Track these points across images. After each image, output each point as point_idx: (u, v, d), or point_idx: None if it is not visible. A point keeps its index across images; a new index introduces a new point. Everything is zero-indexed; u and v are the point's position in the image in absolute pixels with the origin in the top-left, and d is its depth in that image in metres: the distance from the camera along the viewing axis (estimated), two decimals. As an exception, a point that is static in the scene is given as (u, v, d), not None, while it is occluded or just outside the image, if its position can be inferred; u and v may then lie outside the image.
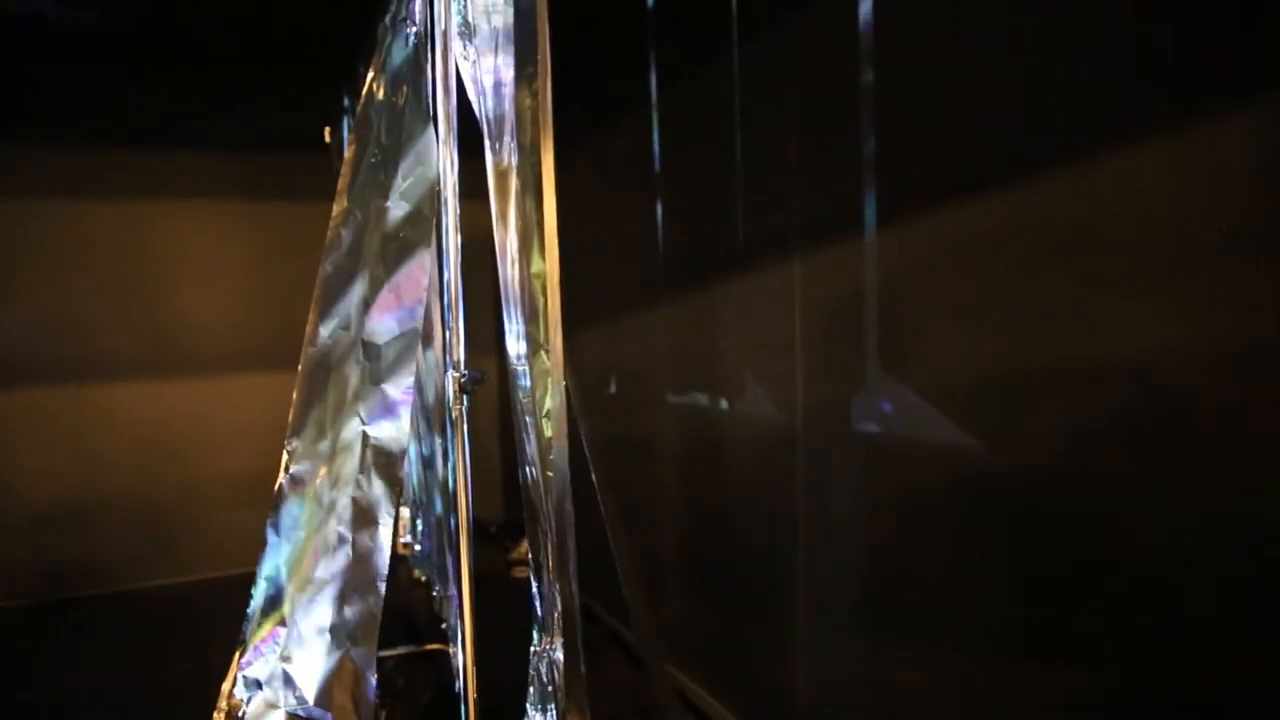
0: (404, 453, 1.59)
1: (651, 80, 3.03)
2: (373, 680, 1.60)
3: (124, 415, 4.60)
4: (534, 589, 1.71)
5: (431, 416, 2.59)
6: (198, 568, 4.71)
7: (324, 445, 1.73)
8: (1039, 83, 1.59)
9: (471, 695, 1.74)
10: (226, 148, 4.60)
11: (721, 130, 2.58)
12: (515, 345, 1.62)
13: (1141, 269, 1.43)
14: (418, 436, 3.08)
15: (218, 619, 3.63)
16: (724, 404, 2.66)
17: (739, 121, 2.52)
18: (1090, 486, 1.54)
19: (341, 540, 1.63)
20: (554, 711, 1.64)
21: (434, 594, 3.06)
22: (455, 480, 1.75)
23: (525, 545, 4.44)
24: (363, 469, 1.62)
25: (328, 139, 2.90)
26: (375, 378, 1.63)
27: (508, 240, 1.57)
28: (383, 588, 1.57)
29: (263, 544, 1.86)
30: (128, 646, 3.80)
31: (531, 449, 1.59)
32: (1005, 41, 1.66)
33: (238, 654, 1.85)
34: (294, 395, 1.84)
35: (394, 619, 3.47)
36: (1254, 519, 1.28)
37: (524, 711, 1.73)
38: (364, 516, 1.61)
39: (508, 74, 1.61)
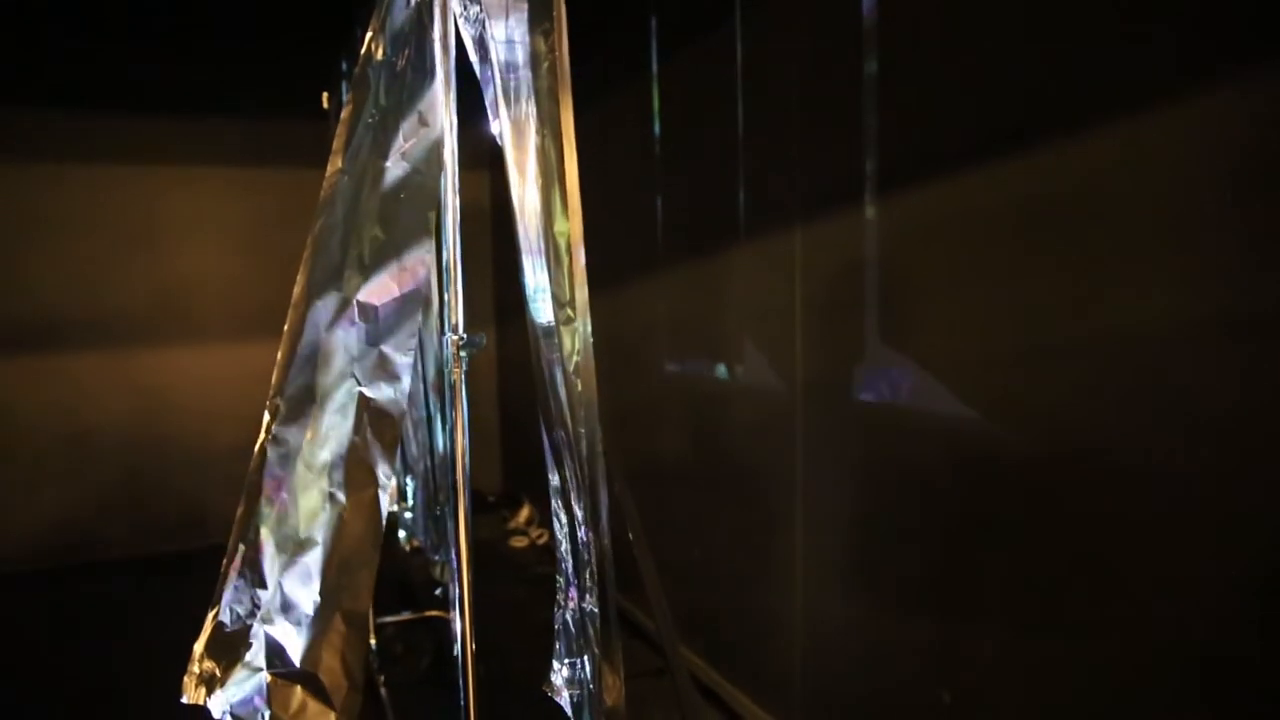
0: (403, 415, 1.58)
1: (652, 47, 3.04)
2: (366, 641, 1.59)
3: (124, 380, 4.61)
4: (562, 547, 1.74)
5: (431, 385, 2.59)
6: (195, 534, 4.66)
7: (313, 407, 1.70)
8: (1040, 52, 1.65)
9: (470, 662, 1.75)
10: (226, 114, 4.61)
11: (723, 98, 2.60)
12: (539, 304, 1.64)
13: (1141, 239, 1.49)
14: (417, 404, 3.08)
15: (205, 586, 3.58)
16: (724, 373, 2.70)
17: (741, 89, 2.54)
18: (1090, 457, 1.60)
19: (334, 502, 1.61)
20: (585, 663, 1.67)
21: (435, 559, 3.07)
22: (453, 446, 1.75)
23: (524, 514, 4.53)
24: (358, 431, 1.61)
25: (325, 104, 2.86)
26: (373, 339, 1.62)
27: (526, 197, 1.58)
28: (378, 550, 1.56)
29: (241, 504, 1.82)
30: (122, 613, 3.77)
31: (561, 406, 1.61)
32: (1008, 11, 1.71)
33: (211, 615, 1.82)
34: (278, 355, 1.81)
35: (392, 586, 3.52)
36: (1255, 491, 1.34)
37: (550, 665, 1.78)
38: (359, 479, 1.59)
39: (521, 30, 1.61)
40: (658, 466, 3.23)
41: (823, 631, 2.36)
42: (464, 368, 1.70)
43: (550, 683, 1.88)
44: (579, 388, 1.57)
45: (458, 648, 1.78)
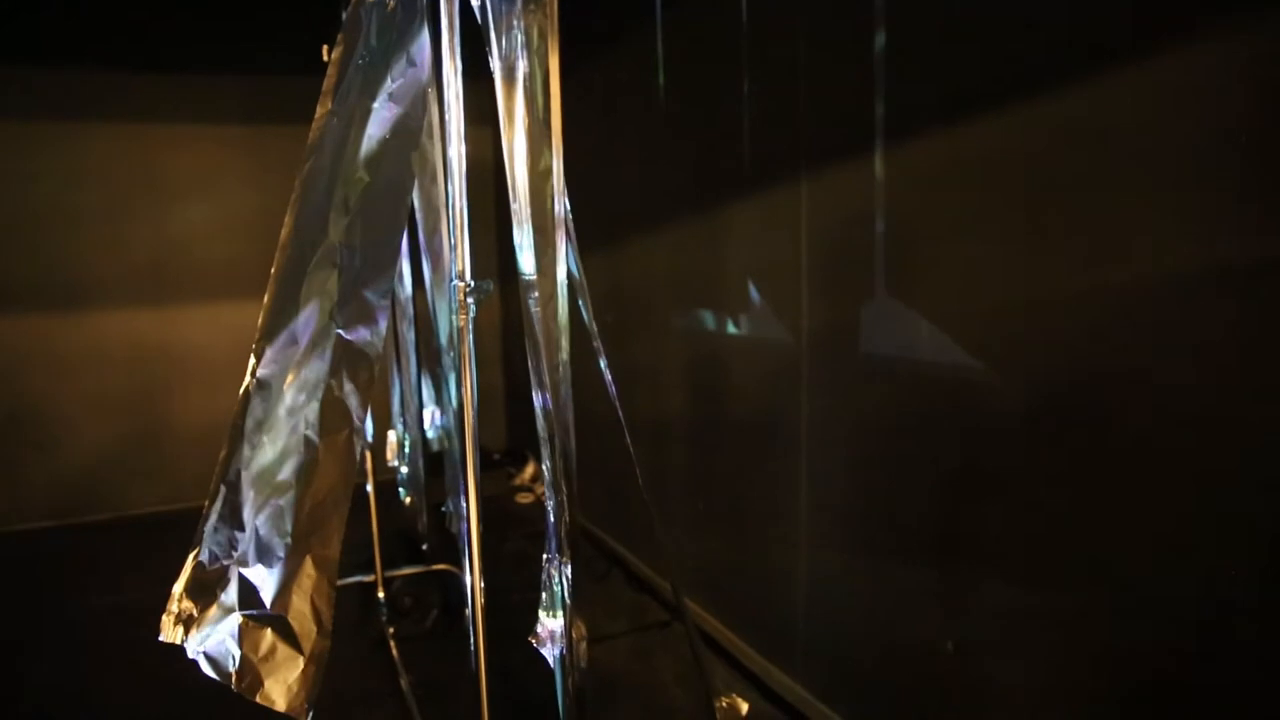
0: (379, 358, 1.56)
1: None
2: (335, 586, 1.58)
3: (122, 341, 4.60)
4: (549, 507, 1.75)
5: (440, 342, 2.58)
6: (194, 495, 4.68)
7: (294, 349, 1.69)
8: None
9: (480, 615, 1.75)
10: (224, 70, 4.54)
11: (728, 47, 2.56)
12: (524, 252, 1.62)
13: (1144, 189, 1.44)
14: (416, 366, 3.09)
15: None
16: (729, 327, 2.68)
17: (746, 38, 2.49)
18: (1091, 406, 1.57)
19: (308, 444, 1.60)
20: (562, 617, 1.73)
21: (443, 510, 3.10)
22: (460, 397, 1.74)
23: (528, 472, 4.56)
24: (334, 373, 1.59)
25: (326, 58, 2.82)
26: (353, 281, 1.60)
27: (515, 143, 1.56)
28: (349, 493, 1.55)
29: (224, 447, 1.82)
30: (120, 570, 3.85)
31: (539, 355, 1.60)
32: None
33: (191, 556, 1.82)
34: (265, 298, 1.80)
35: (398, 540, 3.56)
36: (1265, 449, 1.30)
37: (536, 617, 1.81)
38: (333, 421, 1.58)
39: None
40: (662, 420, 3.22)
41: (826, 582, 2.35)
42: (470, 314, 1.68)
43: (536, 634, 1.89)
44: (554, 332, 1.55)
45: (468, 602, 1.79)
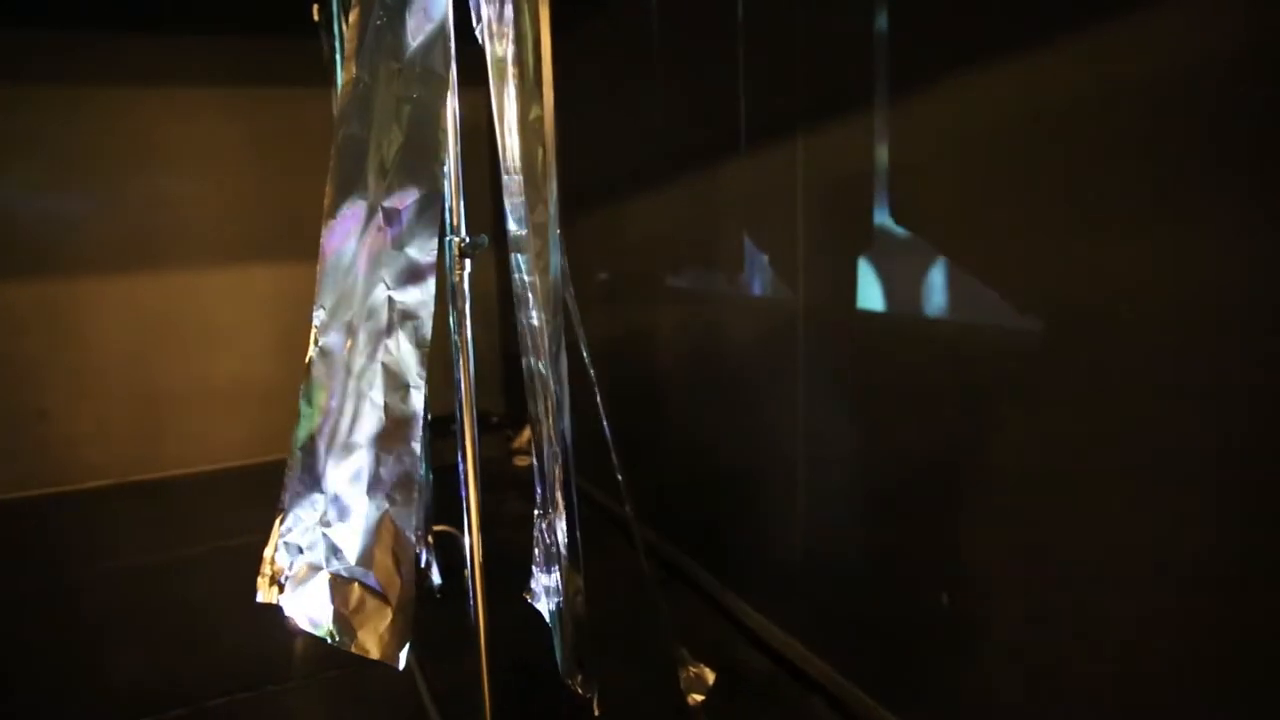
0: (430, 316, 1.59)
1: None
2: (413, 538, 1.64)
3: (122, 307, 4.58)
4: (536, 464, 1.76)
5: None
6: (196, 460, 4.77)
7: (350, 314, 1.73)
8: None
9: (479, 576, 1.81)
10: (212, 33, 4.41)
11: (724, 4, 2.50)
12: (513, 205, 1.62)
13: (1154, 144, 1.40)
14: None
15: (207, 510, 3.71)
16: (725, 286, 2.67)
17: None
18: (1089, 366, 1.53)
19: (374, 405, 1.65)
20: (557, 571, 1.74)
21: None
22: (457, 355, 1.77)
23: (526, 434, 4.56)
24: (390, 334, 1.63)
25: (316, 17, 2.73)
26: (398, 242, 1.62)
27: (505, 97, 1.55)
28: (418, 449, 1.59)
29: (295, 416, 1.89)
30: (128, 535, 3.92)
31: (530, 314, 1.60)
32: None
33: (277, 521, 1.91)
34: (317, 267, 1.84)
35: None
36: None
37: (529, 573, 1.85)
38: (394, 380, 1.62)
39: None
40: (659, 380, 3.21)
41: (823, 539, 2.34)
42: (467, 270, 1.70)
43: (530, 590, 1.92)
44: (545, 288, 1.55)
45: (467, 562, 1.83)
